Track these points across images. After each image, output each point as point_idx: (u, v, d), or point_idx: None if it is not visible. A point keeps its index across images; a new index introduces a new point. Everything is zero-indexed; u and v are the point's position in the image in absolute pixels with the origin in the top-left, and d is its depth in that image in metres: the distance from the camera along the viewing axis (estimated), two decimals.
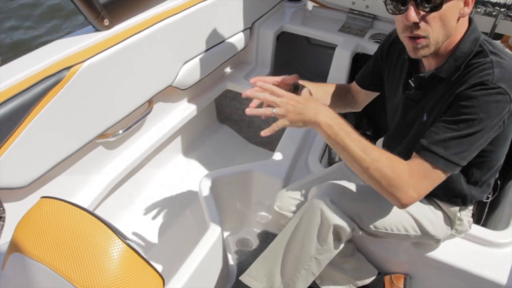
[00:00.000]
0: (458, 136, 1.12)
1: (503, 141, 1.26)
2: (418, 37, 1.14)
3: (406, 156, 1.18)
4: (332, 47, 2.51)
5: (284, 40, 2.71)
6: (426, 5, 1.08)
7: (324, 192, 1.33)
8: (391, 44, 1.44)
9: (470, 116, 1.10)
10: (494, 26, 1.95)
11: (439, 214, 1.45)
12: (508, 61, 1.15)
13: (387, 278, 1.73)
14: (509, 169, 2.26)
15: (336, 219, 1.31)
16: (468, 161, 1.15)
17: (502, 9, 1.86)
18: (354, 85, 1.62)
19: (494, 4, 1.87)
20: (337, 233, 1.34)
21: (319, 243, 1.36)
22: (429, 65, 1.27)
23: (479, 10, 1.94)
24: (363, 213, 1.34)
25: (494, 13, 1.93)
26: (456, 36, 1.18)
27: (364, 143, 1.16)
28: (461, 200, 1.41)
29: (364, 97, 1.62)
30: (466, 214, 1.47)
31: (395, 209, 1.39)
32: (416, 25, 1.12)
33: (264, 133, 1.19)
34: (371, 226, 1.36)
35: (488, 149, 1.24)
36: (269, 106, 1.21)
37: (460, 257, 1.56)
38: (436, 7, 1.08)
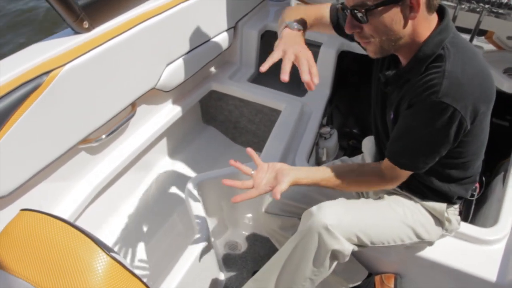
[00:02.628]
0: (411, 146, 1.22)
1: (472, 141, 1.26)
2: (366, 42, 1.20)
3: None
4: (316, 45, 2.49)
5: (269, 39, 2.68)
6: (356, 16, 1.14)
7: (322, 217, 1.29)
8: None
9: (417, 130, 1.18)
10: (479, 23, 1.95)
11: (429, 217, 1.45)
12: (465, 64, 1.14)
13: (377, 278, 1.73)
14: (493, 164, 2.28)
15: (335, 245, 1.29)
16: (428, 166, 1.24)
17: (486, 6, 1.86)
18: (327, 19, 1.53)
19: (478, 1, 1.86)
20: (334, 256, 1.33)
21: (315, 267, 1.34)
22: (403, 61, 1.27)
23: (463, 6, 1.93)
24: (361, 233, 1.32)
25: (478, 10, 1.93)
26: (420, 36, 1.17)
27: (330, 175, 1.34)
28: (445, 199, 1.42)
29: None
30: (453, 213, 1.47)
31: (391, 224, 1.39)
32: (359, 33, 1.18)
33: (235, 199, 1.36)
34: (369, 243, 1.35)
35: (458, 151, 1.26)
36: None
37: (450, 255, 1.56)
38: (362, 19, 1.13)
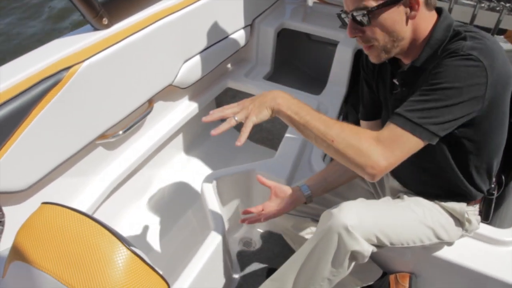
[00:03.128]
0: (425, 100, 1.08)
1: (496, 127, 1.22)
2: (368, 46, 1.18)
3: (406, 160, 1.14)
4: (333, 44, 2.49)
5: (285, 37, 2.68)
6: (358, 19, 1.13)
7: (342, 217, 1.27)
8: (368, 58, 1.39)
9: (440, 83, 1.07)
10: (499, 21, 1.93)
11: (449, 218, 1.43)
12: (484, 40, 1.10)
13: (392, 277, 1.72)
14: (511, 165, 2.25)
15: (355, 246, 1.27)
16: (444, 132, 1.10)
17: (507, 4, 1.84)
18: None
19: (499, 0, 1.84)
20: (354, 257, 1.31)
21: (334, 267, 1.32)
22: (409, 56, 1.25)
23: (483, 5, 1.91)
24: (381, 234, 1.30)
25: (498, 8, 1.91)
26: (424, 31, 1.17)
27: (325, 118, 1.14)
28: (465, 197, 1.39)
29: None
30: (473, 213, 1.45)
31: (411, 224, 1.37)
32: (361, 36, 1.17)
33: (215, 131, 1.15)
34: (388, 244, 1.33)
35: (481, 139, 1.22)
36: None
37: (467, 255, 1.54)
38: (365, 21, 1.12)
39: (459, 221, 1.44)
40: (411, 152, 1.11)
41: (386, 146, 1.09)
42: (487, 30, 2.25)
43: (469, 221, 1.44)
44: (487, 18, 2.00)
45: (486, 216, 1.46)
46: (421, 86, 1.12)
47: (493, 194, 1.42)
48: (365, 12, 1.10)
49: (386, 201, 1.42)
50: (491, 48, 1.09)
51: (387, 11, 1.10)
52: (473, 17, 1.95)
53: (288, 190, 1.54)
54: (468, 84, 1.06)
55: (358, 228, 1.26)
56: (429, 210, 1.40)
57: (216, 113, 1.18)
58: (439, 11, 1.21)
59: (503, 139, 1.31)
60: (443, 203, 1.42)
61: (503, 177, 1.53)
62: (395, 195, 1.51)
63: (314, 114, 1.14)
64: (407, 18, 1.13)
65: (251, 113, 1.15)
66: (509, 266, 1.53)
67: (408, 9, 1.12)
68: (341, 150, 1.11)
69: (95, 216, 1.75)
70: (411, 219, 1.37)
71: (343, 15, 1.21)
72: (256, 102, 1.17)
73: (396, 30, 1.14)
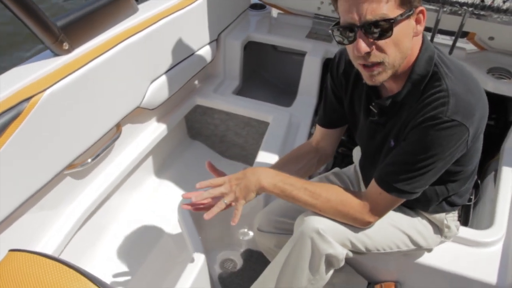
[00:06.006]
0: (410, 169, 1.14)
1: (472, 157, 1.26)
2: (373, 65, 1.08)
3: None
4: (300, 54, 2.48)
5: (252, 50, 2.66)
6: (375, 31, 1.02)
7: (313, 221, 1.25)
8: (344, 70, 1.36)
9: (422, 151, 1.10)
10: (462, 25, 1.96)
11: (428, 225, 1.44)
12: (462, 81, 1.11)
13: (377, 287, 1.71)
14: (482, 164, 2.29)
15: (328, 249, 1.25)
16: (423, 189, 1.19)
17: (470, 8, 1.87)
18: (317, 134, 1.54)
19: (462, 4, 1.88)
20: (329, 262, 1.29)
21: (311, 274, 1.30)
22: (390, 87, 1.21)
23: (445, 9, 1.94)
24: (354, 238, 1.29)
25: (459, 12, 1.94)
26: (412, 56, 1.13)
27: (311, 188, 1.24)
28: (443, 209, 1.40)
29: (331, 141, 1.54)
30: (452, 219, 1.46)
31: (385, 229, 1.36)
32: (368, 53, 1.06)
33: (208, 216, 1.27)
34: (363, 249, 1.32)
35: (457, 169, 1.25)
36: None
37: (449, 260, 1.55)
38: (386, 33, 1.02)
39: (438, 228, 1.45)
40: (394, 206, 1.24)
41: (373, 207, 1.22)
42: (450, 33, 2.31)
43: (448, 227, 1.45)
44: (450, 22, 2.03)
45: (465, 222, 1.47)
46: (404, 126, 1.15)
47: (471, 200, 1.43)
48: (386, 22, 1.01)
49: None
50: (471, 98, 1.09)
51: (402, 23, 1.03)
52: (437, 21, 1.98)
53: None
54: (453, 149, 1.10)
55: (330, 230, 1.24)
56: (406, 215, 1.40)
57: (205, 194, 1.27)
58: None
59: (479, 156, 1.32)
60: (421, 211, 1.42)
61: (479, 182, 1.55)
62: None
63: (299, 187, 1.24)
64: (413, 33, 1.08)
65: (239, 197, 1.25)
66: (491, 267, 1.54)
67: (414, 23, 1.07)
68: (331, 215, 1.25)
69: (69, 249, 1.69)
70: (385, 224, 1.35)
71: (342, 30, 1.08)
72: (241, 185, 1.25)
73: (406, 45, 1.08)
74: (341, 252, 1.28)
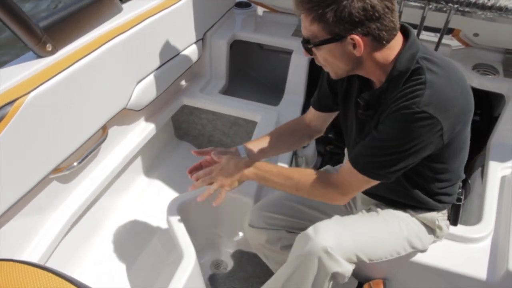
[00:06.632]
0: (381, 154, 1.19)
1: (454, 154, 1.27)
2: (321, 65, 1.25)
3: None
4: (286, 52, 2.47)
5: (238, 48, 2.64)
6: (304, 45, 1.18)
7: (320, 240, 1.26)
8: None
9: (392, 138, 1.15)
10: (447, 22, 1.97)
11: (421, 226, 1.45)
12: (445, 76, 1.14)
13: (366, 286, 1.71)
14: (469, 159, 2.31)
15: (335, 267, 1.26)
16: (399, 173, 1.21)
17: (455, 6, 1.88)
18: (310, 113, 1.61)
19: (447, 1, 1.89)
20: (334, 279, 1.30)
21: None
22: (377, 81, 1.25)
23: (430, 6, 1.95)
24: (360, 252, 1.30)
25: (445, 9, 1.95)
26: (388, 58, 1.17)
27: (286, 172, 1.39)
28: (433, 207, 1.42)
29: (323, 121, 1.61)
30: (442, 219, 1.47)
31: (388, 239, 1.38)
32: (314, 57, 1.23)
33: (201, 198, 1.49)
34: (367, 260, 1.33)
35: (440, 166, 1.28)
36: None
37: (438, 256, 1.56)
38: (309, 50, 1.19)
39: (431, 229, 1.46)
40: (368, 186, 1.27)
41: (346, 189, 1.29)
42: (435, 30, 2.32)
43: (440, 228, 1.46)
44: (435, 19, 2.04)
45: (454, 221, 1.48)
46: (380, 118, 1.20)
47: (460, 200, 1.44)
48: (308, 43, 1.16)
49: (362, 216, 1.41)
50: (449, 93, 1.11)
51: (328, 47, 1.14)
52: (423, 18, 1.99)
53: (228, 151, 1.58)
54: (424, 141, 1.13)
55: (338, 249, 1.25)
56: (403, 221, 1.41)
57: (197, 184, 1.50)
58: (407, 34, 1.19)
59: (465, 155, 1.34)
60: (413, 213, 1.43)
61: (469, 181, 1.57)
62: (367, 205, 1.51)
63: (276, 172, 1.40)
64: (352, 54, 1.14)
65: (224, 184, 1.44)
66: (480, 262, 1.55)
67: (351, 46, 1.12)
68: (307, 195, 1.38)
69: (56, 254, 1.66)
70: (388, 233, 1.37)
71: None
72: (226, 174, 1.43)
73: (339, 63, 1.18)
74: (348, 270, 1.29)
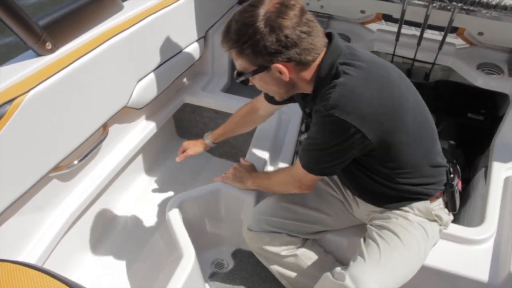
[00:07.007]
0: (312, 153, 1.30)
1: (403, 150, 1.28)
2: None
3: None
4: None
5: None
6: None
7: (341, 272, 1.28)
8: None
9: (318, 138, 1.26)
10: (451, 20, 1.95)
11: (426, 223, 1.44)
12: (360, 79, 1.19)
13: None
14: (472, 159, 2.29)
15: None
16: (339, 169, 1.31)
17: (459, 4, 1.86)
18: (262, 103, 1.72)
19: (451, 0, 1.87)
20: None
21: None
22: (311, 91, 1.32)
23: (434, 5, 1.93)
24: (398, 285, 1.34)
25: (449, 7, 1.93)
26: (315, 64, 1.24)
27: (270, 175, 1.63)
28: (420, 195, 1.41)
29: (275, 109, 1.76)
30: (439, 208, 1.45)
31: (416, 261, 1.39)
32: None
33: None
34: (401, 285, 1.36)
35: (391, 165, 1.32)
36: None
37: (440, 258, 1.54)
38: (242, 80, 1.29)
39: (429, 220, 1.45)
40: (319, 177, 1.39)
41: (304, 185, 1.42)
42: (439, 28, 2.30)
43: (439, 217, 1.45)
44: (439, 17, 2.02)
45: (452, 207, 1.46)
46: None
47: (452, 186, 1.42)
48: (239, 75, 1.27)
49: (385, 247, 1.38)
50: (364, 92, 1.17)
51: (258, 76, 1.24)
52: (426, 17, 1.97)
53: (198, 142, 1.91)
54: (340, 141, 1.20)
55: (361, 282, 1.25)
56: (414, 229, 1.41)
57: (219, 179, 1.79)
58: (330, 41, 1.25)
59: (424, 145, 1.35)
60: (412, 209, 1.42)
61: (470, 175, 1.54)
62: (366, 211, 1.52)
63: (263, 177, 1.65)
64: (279, 79, 1.23)
65: (233, 180, 1.72)
66: (482, 264, 1.54)
67: (277, 73, 1.21)
68: (280, 191, 1.60)
69: (56, 253, 1.65)
70: (413, 256, 1.39)
71: None
72: (237, 176, 1.72)
73: (271, 87, 1.30)
74: None
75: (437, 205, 1.44)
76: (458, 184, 1.47)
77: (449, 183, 1.43)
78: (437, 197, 1.44)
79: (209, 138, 1.89)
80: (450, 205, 1.45)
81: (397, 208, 1.44)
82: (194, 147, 1.90)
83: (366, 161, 1.33)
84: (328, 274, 1.33)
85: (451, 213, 1.51)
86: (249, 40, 1.15)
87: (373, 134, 1.18)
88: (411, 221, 1.41)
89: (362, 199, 1.53)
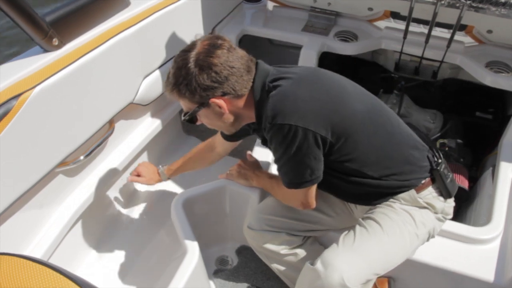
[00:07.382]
0: (285, 168, 1.35)
1: (354, 143, 1.31)
2: None
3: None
4: (295, 47, 2.45)
5: (247, 43, 2.62)
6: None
7: (333, 275, 1.27)
8: None
9: (277, 154, 1.31)
10: (460, 18, 1.93)
11: (414, 210, 1.42)
12: (285, 86, 1.28)
13: None
14: (480, 158, 2.27)
15: None
16: (318, 173, 1.32)
17: (468, 1, 1.84)
18: (220, 141, 1.77)
19: None
20: None
21: None
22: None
23: (443, 2, 1.91)
24: (375, 270, 1.34)
25: (457, 5, 1.91)
26: (249, 92, 1.33)
27: (274, 182, 1.58)
28: (400, 187, 1.41)
29: (233, 145, 1.80)
30: (431, 197, 1.43)
31: (395, 245, 1.39)
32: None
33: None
34: (383, 273, 1.37)
35: (349, 157, 1.34)
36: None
37: (445, 257, 1.54)
38: (193, 123, 1.38)
39: (419, 208, 1.43)
40: (312, 194, 1.42)
41: (300, 203, 1.44)
42: (448, 26, 2.27)
43: (431, 205, 1.43)
44: (448, 15, 2.00)
45: (446, 194, 1.43)
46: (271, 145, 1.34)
47: (438, 171, 1.40)
48: (186, 114, 1.34)
49: (360, 233, 1.39)
50: (298, 96, 1.25)
51: (201, 113, 1.32)
52: (435, 14, 1.95)
53: (154, 171, 1.91)
54: (298, 146, 1.24)
55: (355, 279, 1.27)
56: (398, 215, 1.40)
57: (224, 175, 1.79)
58: (256, 65, 1.35)
59: (379, 138, 1.36)
60: (394, 199, 1.43)
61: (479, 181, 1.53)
62: (366, 212, 1.51)
63: (269, 183, 1.62)
64: (220, 113, 1.31)
65: (238, 177, 1.73)
66: (488, 264, 1.53)
67: (217, 107, 1.29)
68: (282, 200, 1.57)
69: (62, 248, 1.67)
70: (393, 241, 1.38)
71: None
72: (242, 173, 1.72)
73: (218, 123, 1.37)
74: None
75: (428, 194, 1.42)
76: (445, 168, 1.45)
77: (434, 169, 1.42)
78: (426, 186, 1.41)
79: (164, 174, 1.90)
80: (443, 192, 1.43)
81: (384, 202, 1.45)
82: (148, 176, 1.89)
83: (336, 165, 1.35)
84: (307, 262, 1.37)
85: (451, 200, 1.48)
86: (184, 80, 1.25)
87: (323, 128, 1.24)
88: (395, 208, 1.41)
89: (351, 202, 1.56)
